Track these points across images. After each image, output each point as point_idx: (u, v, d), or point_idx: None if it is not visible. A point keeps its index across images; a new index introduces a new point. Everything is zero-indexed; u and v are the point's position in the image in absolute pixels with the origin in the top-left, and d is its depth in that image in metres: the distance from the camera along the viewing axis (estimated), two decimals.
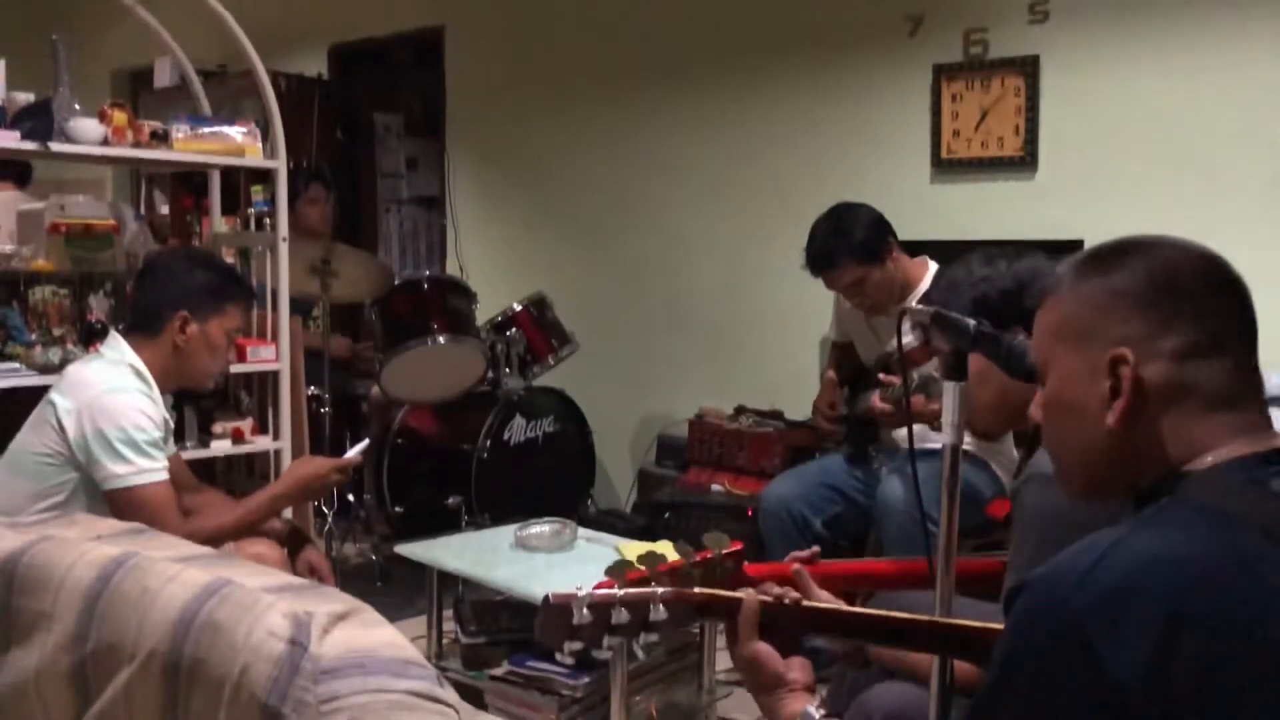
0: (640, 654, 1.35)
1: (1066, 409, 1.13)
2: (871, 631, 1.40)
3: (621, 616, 1.29)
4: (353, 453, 2.70)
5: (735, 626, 1.33)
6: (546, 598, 1.30)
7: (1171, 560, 0.92)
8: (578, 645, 1.31)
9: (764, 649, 1.31)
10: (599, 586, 1.37)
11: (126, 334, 2.54)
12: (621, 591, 1.31)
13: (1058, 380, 1.14)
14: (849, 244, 3.11)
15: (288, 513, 2.77)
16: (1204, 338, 1.06)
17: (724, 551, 1.58)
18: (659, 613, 1.31)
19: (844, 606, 1.39)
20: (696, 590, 1.35)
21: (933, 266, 3.18)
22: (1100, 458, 1.10)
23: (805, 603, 1.37)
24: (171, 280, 2.59)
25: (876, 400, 2.90)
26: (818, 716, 1.24)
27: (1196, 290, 1.08)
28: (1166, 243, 1.12)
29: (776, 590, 1.37)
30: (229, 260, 3.35)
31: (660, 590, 1.32)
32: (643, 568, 1.45)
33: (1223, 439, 1.04)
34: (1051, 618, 0.92)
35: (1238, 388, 1.06)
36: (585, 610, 1.29)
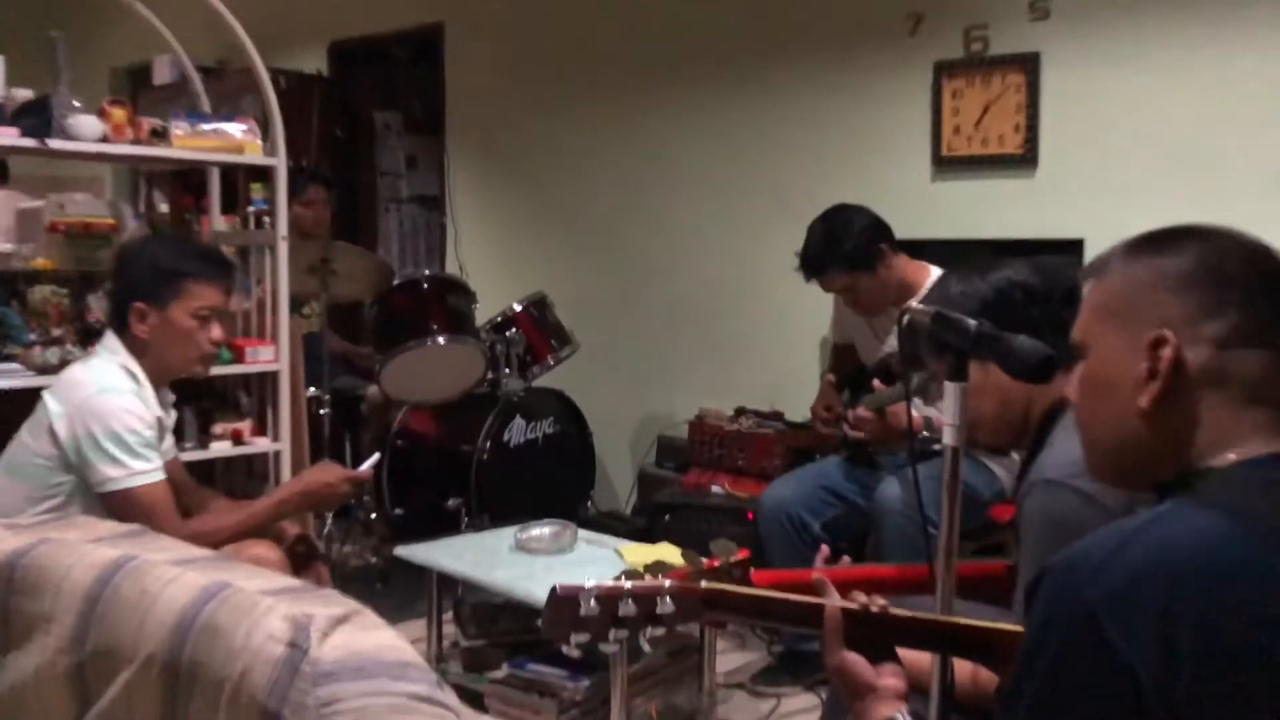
0: (646, 647, 1.34)
1: (1102, 387, 1.12)
2: (955, 643, 1.33)
3: (629, 609, 1.29)
4: (364, 467, 2.67)
5: (823, 635, 1.30)
6: (554, 589, 1.29)
7: (1180, 560, 0.93)
8: (584, 638, 1.30)
9: (852, 658, 1.28)
10: None
11: (116, 333, 2.52)
12: (630, 584, 1.31)
13: (1097, 358, 1.13)
14: (838, 252, 3.10)
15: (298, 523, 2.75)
16: (1250, 326, 1.04)
17: (732, 560, 1.59)
18: (666, 606, 1.30)
19: (928, 615, 1.32)
20: (704, 585, 1.34)
21: (934, 272, 3.16)
22: (1129, 442, 1.09)
23: (892, 610, 1.32)
24: (124, 271, 2.51)
25: (859, 410, 2.87)
26: None
27: (1247, 278, 1.06)
28: (1222, 231, 1.10)
29: (862, 599, 1.33)
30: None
31: (668, 583, 1.32)
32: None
33: (1250, 435, 1.03)
34: (1068, 606, 0.94)
35: (1278, 383, 1.04)
36: (593, 602, 1.28)
